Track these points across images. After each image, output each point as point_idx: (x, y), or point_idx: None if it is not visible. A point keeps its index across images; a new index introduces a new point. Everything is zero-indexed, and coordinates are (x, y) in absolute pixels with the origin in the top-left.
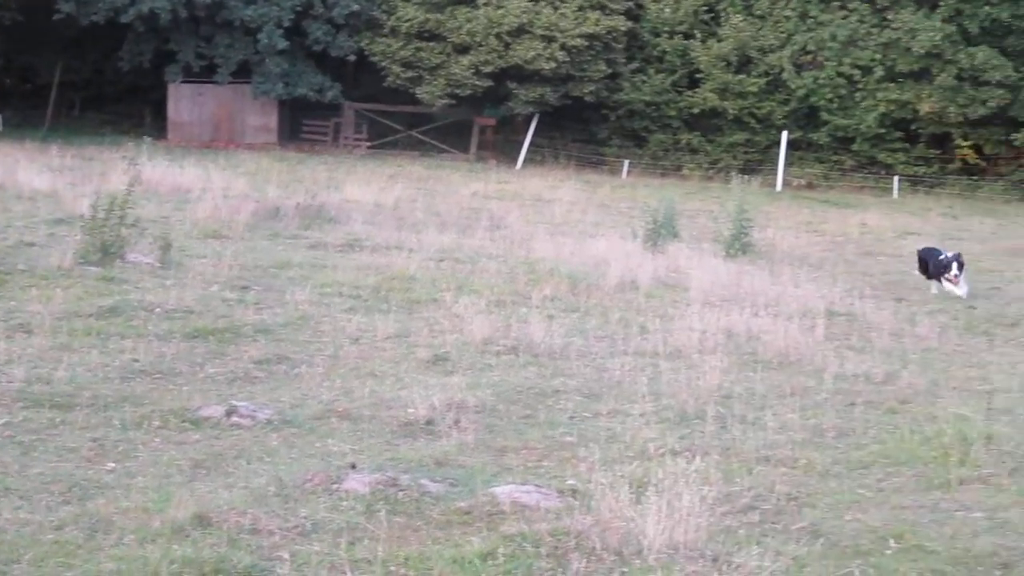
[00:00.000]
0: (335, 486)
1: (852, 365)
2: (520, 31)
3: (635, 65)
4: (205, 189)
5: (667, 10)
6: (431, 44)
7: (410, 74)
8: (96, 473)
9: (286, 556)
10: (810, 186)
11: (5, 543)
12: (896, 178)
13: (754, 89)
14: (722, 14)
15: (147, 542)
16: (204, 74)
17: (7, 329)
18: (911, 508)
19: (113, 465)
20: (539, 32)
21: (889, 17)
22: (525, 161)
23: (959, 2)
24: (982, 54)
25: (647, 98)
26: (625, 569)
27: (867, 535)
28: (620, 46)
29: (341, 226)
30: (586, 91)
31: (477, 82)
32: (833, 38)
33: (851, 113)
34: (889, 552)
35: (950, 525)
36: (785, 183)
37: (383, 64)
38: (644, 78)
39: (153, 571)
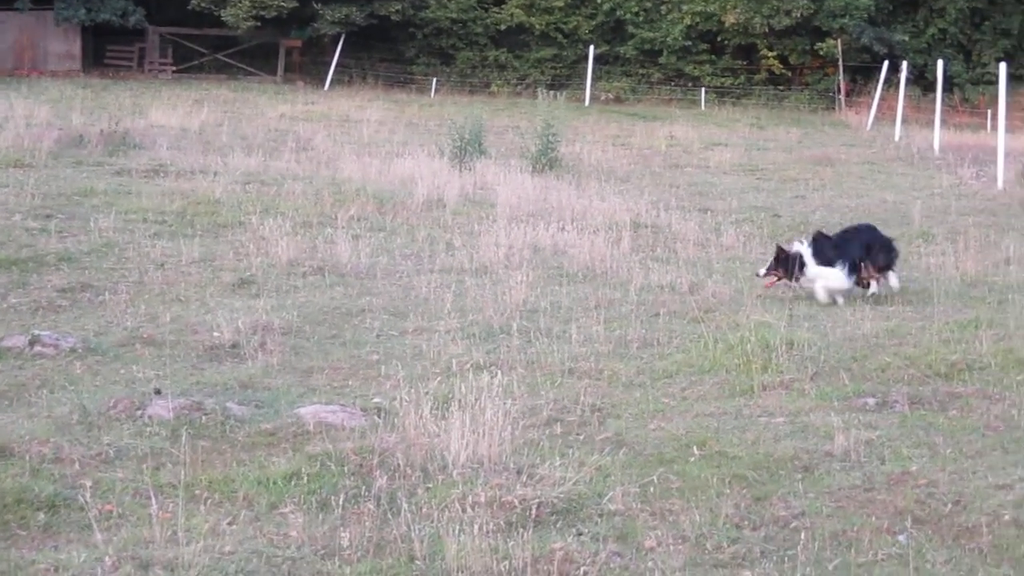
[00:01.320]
0: (139, 412)
1: (657, 276)
2: None
3: None
4: (7, 118)
5: None
6: None
7: None
8: None
9: (88, 484)
10: (618, 100)
11: None
12: (703, 90)
13: (560, 4)
14: None
15: None
16: (4, 1)
17: None
18: (714, 415)
19: None
20: None
21: None
22: (332, 82)
23: None
24: None
25: (453, 15)
26: (429, 484)
27: (671, 443)
28: None
29: (146, 152)
30: (392, 10)
31: (282, 3)
32: None
33: (657, 26)
34: (692, 459)
35: (752, 431)
36: (593, 97)
37: None
38: None
39: None
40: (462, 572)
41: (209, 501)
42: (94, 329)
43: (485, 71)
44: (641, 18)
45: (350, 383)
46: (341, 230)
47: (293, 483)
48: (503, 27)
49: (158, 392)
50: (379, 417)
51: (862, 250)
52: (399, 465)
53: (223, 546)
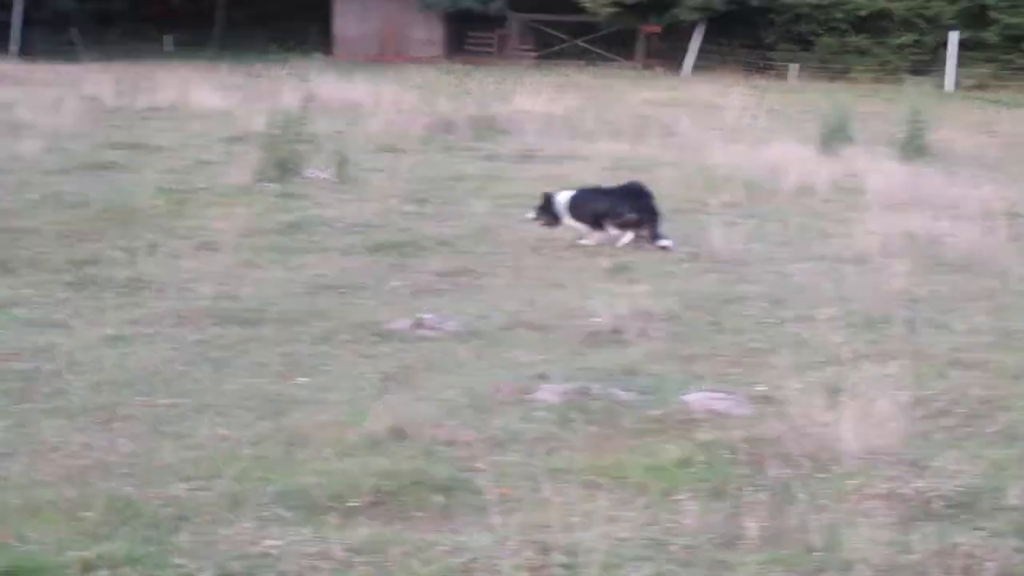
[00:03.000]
0: (527, 396)
1: None
2: None
3: None
4: (376, 104)
5: None
6: None
7: None
8: (289, 388)
9: (483, 467)
10: (981, 86)
11: (205, 459)
12: None
13: None
14: None
15: (345, 455)
16: None
17: (193, 247)
18: None
19: (305, 380)
20: None
21: None
22: (692, 68)
23: None
24: None
25: (814, 1)
26: (824, 475)
27: None
28: None
29: (513, 137)
30: None
31: None
32: None
33: (1021, 11)
34: None
35: None
36: (955, 84)
37: None
38: None
39: (353, 484)
40: (862, 564)
41: (603, 487)
42: (475, 313)
43: (845, 56)
44: (1005, 3)
45: (734, 371)
46: (713, 216)
47: (685, 470)
48: (864, 13)
49: (543, 377)
50: (767, 405)
51: None
52: (791, 454)
53: (619, 532)
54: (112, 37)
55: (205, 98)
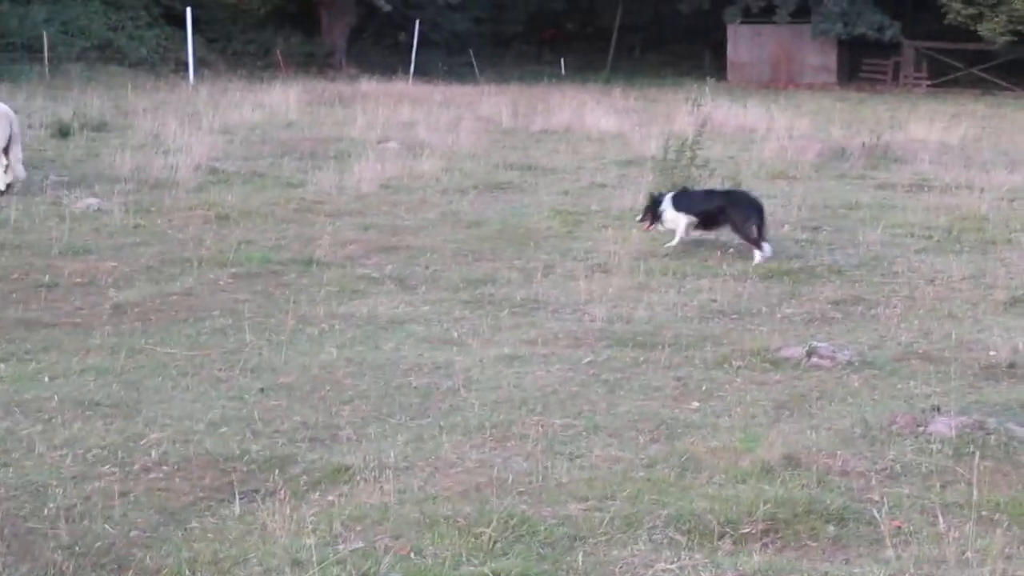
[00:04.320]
0: (920, 428)
1: None
2: None
3: None
4: (768, 129)
5: None
6: None
7: (970, 11)
8: (681, 412)
9: (877, 498)
10: None
11: (598, 479)
12: None
13: None
14: None
15: (737, 481)
16: (762, 15)
17: (587, 269)
18: None
19: (697, 404)
20: None
21: None
22: None
23: None
24: None
25: None
26: None
27: None
28: None
29: (907, 165)
30: None
31: None
32: None
33: None
34: None
35: None
36: None
37: (943, 1)
38: None
39: (746, 510)
40: None
41: (999, 523)
42: (868, 342)
43: None
44: None
45: None
46: None
47: None
48: None
49: (937, 409)
50: None
51: None
52: None
53: (1016, 570)
54: (508, 59)
55: (599, 121)
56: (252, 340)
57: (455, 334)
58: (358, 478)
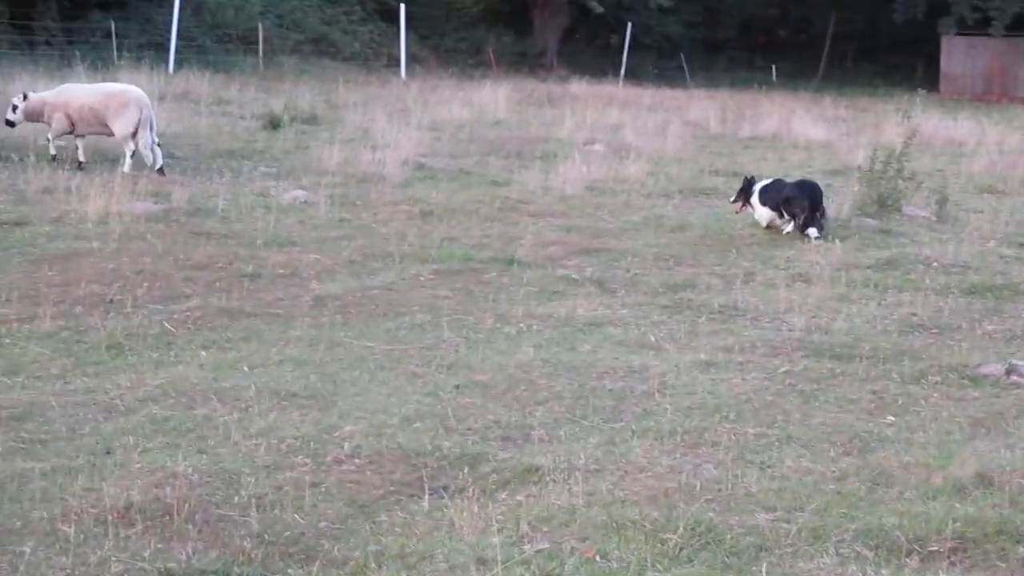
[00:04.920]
0: None
1: None
2: None
3: None
4: (979, 143)
5: None
6: None
7: None
8: (876, 426)
9: None
10: None
11: (788, 490)
12: None
13: None
14: None
15: (928, 498)
16: (977, 26)
17: (787, 277)
18: None
19: (892, 419)
20: None
21: None
22: None
23: None
24: None
25: None
26: None
27: None
28: None
29: None
30: None
31: None
32: None
33: None
34: None
35: None
36: None
37: None
38: None
39: (936, 528)
40: None
41: None
42: None
43: None
44: None
45: None
46: None
47: None
48: None
49: None
50: None
51: None
52: None
53: None
54: (719, 64)
55: (807, 129)
56: (450, 337)
57: (652, 338)
58: (547, 479)
